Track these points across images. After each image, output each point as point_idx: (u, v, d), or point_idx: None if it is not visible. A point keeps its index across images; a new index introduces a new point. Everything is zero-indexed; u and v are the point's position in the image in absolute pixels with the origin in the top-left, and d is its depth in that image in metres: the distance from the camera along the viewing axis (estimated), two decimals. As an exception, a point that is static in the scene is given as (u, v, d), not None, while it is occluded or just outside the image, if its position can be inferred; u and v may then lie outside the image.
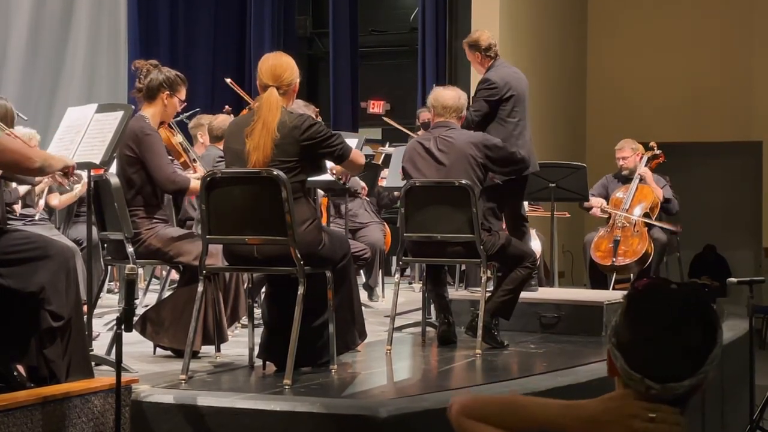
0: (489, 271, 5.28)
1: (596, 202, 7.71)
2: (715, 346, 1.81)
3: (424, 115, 10.02)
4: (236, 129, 4.42)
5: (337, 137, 4.42)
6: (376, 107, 14.02)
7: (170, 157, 5.33)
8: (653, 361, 1.79)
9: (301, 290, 4.16)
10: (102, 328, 5.46)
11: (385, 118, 8.01)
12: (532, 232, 7.38)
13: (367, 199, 8.08)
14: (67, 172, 3.87)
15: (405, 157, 5.53)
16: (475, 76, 10.15)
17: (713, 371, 1.82)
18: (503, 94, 6.05)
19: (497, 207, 6.00)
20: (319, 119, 5.80)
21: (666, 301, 1.82)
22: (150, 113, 4.88)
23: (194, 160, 5.29)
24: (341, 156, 4.43)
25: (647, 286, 1.86)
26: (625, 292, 1.89)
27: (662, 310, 1.80)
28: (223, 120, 6.88)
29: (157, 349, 4.87)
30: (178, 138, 5.32)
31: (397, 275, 5.50)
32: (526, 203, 6.81)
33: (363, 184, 6.89)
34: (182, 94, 4.96)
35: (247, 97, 6.19)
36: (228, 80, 6.13)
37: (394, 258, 6.34)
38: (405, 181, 5.43)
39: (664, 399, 1.80)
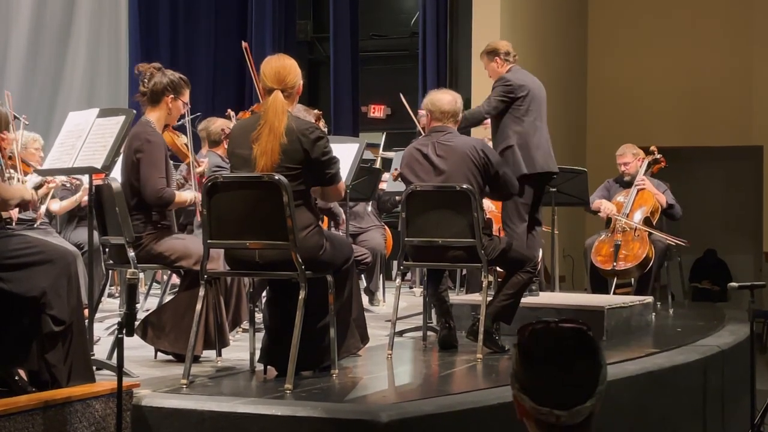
0: (490, 276, 5.27)
1: (606, 208, 7.66)
2: (601, 368, 2.02)
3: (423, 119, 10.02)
4: (241, 133, 4.40)
5: (336, 161, 4.41)
6: (377, 112, 14.02)
7: (174, 162, 5.34)
8: (554, 393, 1.98)
9: (302, 295, 4.16)
10: (103, 332, 5.46)
11: (403, 98, 7.78)
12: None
13: (368, 203, 8.08)
14: (21, 204, 3.85)
15: (403, 163, 5.52)
16: (476, 81, 10.21)
17: (605, 390, 2.02)
18: (518, 93, 6.13)
19: (523, 208, 6.01)
20: (322, 123, 5.80)
21: (550, 340, 2.02)
22: (155, 117, 4.88)
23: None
24: (331, 180, 4.40)
25: (531, 332, 2.05)
26: (515, 342, 2.07)
27: (549, 349, 2.01)
28: (220, 124, 6.84)
29: (158, 353, 4.87)
30: (183, 139, 5.31)
31: (398, 279, 5.49)
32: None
33: (343, 217, 6.90)
34: (186, 96, 4.96)
35: (254, 73, 6.00)
36: (243, 44, 5.96)
37: (395, 262, 6.33)
38: (405, 184, 5.41)
39: (574, 424, 1.98)
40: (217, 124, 6.90)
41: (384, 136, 9.77)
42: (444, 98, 5.46)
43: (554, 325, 2.05)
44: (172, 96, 4.87)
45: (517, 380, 2.04)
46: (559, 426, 1.99)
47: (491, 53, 6.31)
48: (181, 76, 4.96)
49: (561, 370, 1.99)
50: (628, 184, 7.80)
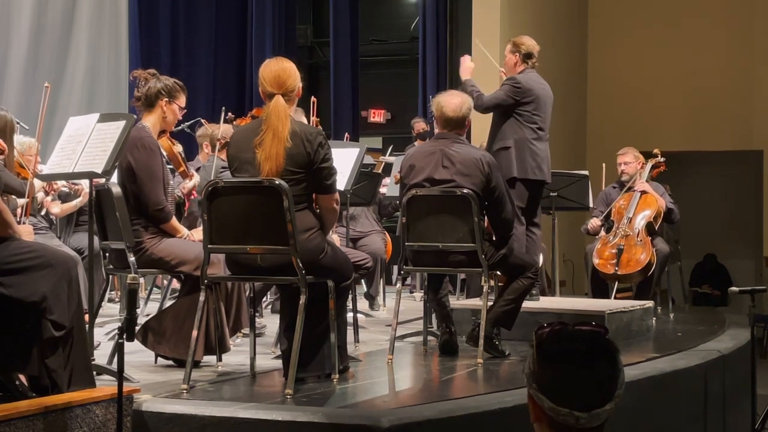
0: (491, 281, 5.26)
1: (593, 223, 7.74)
2: (620, 372, 2.01)
3: (418, 125, 10.02)
4: (243, 138, 4.37)
5: (334, 172, 4.39)
6: (377, 116, 14.03)
7: (170, 166, 5.34)
8: (574, 394, 1.96)
9: (302, 300, 4.16)
10: (103, 337, 5.45)
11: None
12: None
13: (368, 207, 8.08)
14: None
15: (406, 160, 5.43)
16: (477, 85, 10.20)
17: (624, 393, 2.01)
18: (525, 96, 6.13)
19: (518, 210, 6.00)
20: (320, 128, 5.80)
21: (571, 341, 2.01)
22: (150, 122, 4.88)
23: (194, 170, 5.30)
24: (328, 189, 4.37)
25: (551, 332, 2.03)
26: (532, 340, 2.04)
27: (569, 350, 1.99)
28: (225, 130, 6.90)
29: (159, 358, 4.86)
30: (178, 147, 5.33)
31: (399, 284, 5.48)
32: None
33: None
34: (182, 101, 4.95)
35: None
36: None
37: (395, 267, 6.32)
38: (405, 185, 5.34)
39: (592, 427, 1.97)
40: (222, 130, 6.95)
41: (390, 149, 9.78)
42: (450, 104, 5.25)
43: (572, 327, 2.04)
44: (166, 100, 4.88)
45: (534, 380, 2.01)
46: (577, 429, 1.96)
47: (515, 46, 6.33)
48: (176, 81, 4.96)
49: (580, 370, 1.97)
50: (626, 187, 7.78)
